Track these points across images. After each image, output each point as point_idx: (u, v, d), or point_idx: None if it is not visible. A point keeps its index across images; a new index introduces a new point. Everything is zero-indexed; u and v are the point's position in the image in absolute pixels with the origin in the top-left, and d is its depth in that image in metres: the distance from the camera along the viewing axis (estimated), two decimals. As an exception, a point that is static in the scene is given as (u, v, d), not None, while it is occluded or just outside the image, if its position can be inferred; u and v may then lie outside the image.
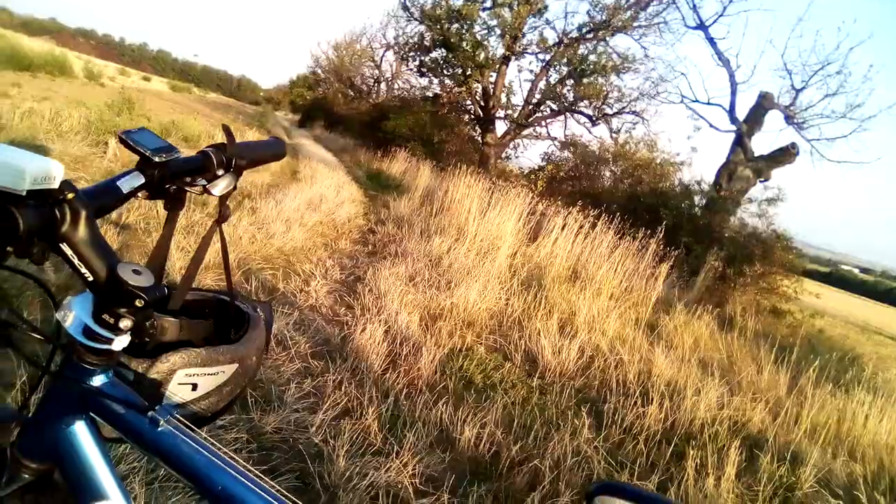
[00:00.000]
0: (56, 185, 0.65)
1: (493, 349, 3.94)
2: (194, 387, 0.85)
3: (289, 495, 0.71)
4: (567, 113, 14.71)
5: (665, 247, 7.15)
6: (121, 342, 0.72)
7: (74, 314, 0.71)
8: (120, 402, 0.75)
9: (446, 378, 3.18)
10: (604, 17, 13.40)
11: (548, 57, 14.34)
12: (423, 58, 15.69)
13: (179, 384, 0.83)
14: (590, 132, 15.18)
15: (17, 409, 0.86)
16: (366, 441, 2.39)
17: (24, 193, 0.62)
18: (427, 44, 15.10)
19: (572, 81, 14.27)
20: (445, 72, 15.32)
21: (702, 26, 12.20)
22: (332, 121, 24.29)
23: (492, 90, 14.68)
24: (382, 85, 28.12)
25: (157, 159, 0.82)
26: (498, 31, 13.97)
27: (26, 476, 0.78)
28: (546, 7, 13.91)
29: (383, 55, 27.42)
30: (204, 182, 0.88)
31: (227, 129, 0.98)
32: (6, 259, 0.64)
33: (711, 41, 12.06)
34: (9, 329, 0.74)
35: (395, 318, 3.74)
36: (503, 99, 14.94)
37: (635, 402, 3.43)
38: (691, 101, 12.82)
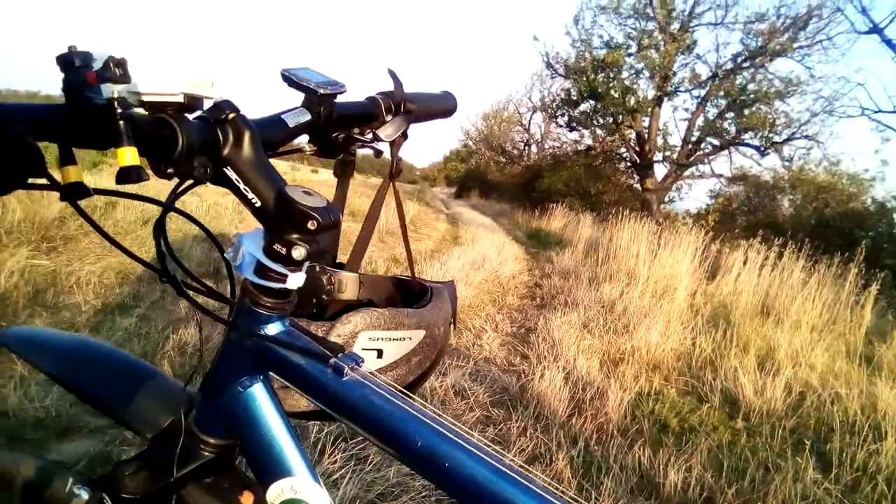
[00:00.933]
0: (214, 96, 0.60)
1: (684, 392, 3.67)
2: (379, 353, 0.78)
3: (502, 451, 0.61)
4: (731, 147, 13.94)
5: (867, 271, 6.41)
6: (296, 279, 0.66)
7: (244, 250, 0.65)
8: (298, 351, 0.67)
9: (638, 422, 2.99)
10: (759, 44, 12.72)
11: (703, 92, 13.81)
12: (571, 112, 15.75)
13: (364, 350, 0.76)
14: (758, 164, 14.21)
15: (184, 383, 0.80)
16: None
17: (181, 98, 0.57)
18: (574, 97, 15.15)
19: (733, 114, 13.56)
20: (596, 122, 15.22)
21: (875, 29, 11.18)
22: (486, 188, 24.86)
23: (646, 134, 14.33)
24: (533, 147, 28.47)
25: (322, 91, 0.77)
26: (647, 74, 13.71)
27: (206, 453, 0.73)
28: (695, 42, 13.51)
29: (531, 118, 27.84)
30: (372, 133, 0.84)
31: (392, 73, 0.91)
32: (170, 177, 0.61)
33: (889, 43, 10.99)
34: (176, 280, 0.68)
35: (573, 364, 3.62)
36: (659, 141, 14.52)
37: (865, 439, 3.00)
38: (874, 111, 11.66)
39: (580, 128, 16.07)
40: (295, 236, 0.62)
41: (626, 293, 5.61)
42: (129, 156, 0.52)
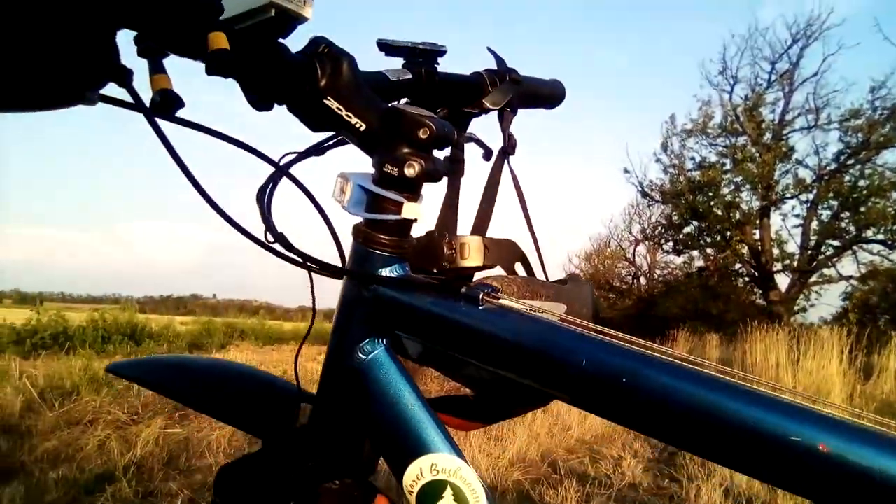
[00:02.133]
0: (306, 14, 0.56)
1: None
2: None
3: (686, 355, 0.50)
4: (854, 246, 13.29)
5: None
6: (412, 209, 0.61)
7: (351, 183, 0.61)
8: (422, 290, 0.61)
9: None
10: (860, 140, 12.50)
11: (811, 196, 13.48)
12: (676, 236, 15.65)
13: None
14: (888, 259, 13.38)
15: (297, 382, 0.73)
16: None
17: (271, 13, 0.53)
18: (677, 221, 15.13)
19: (848, 213, 13.07)
20: (703, 242, 15.01)
21: None
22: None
23: (759, 246, 13.95)
24: (641, 279, 28.08)
25: (421, 48, 0.73)
26: (748, 186, 13.63)
27: (327, 451, 0.68)
28: (792, 148, 13.41)
29: (634, 250, 27.75)
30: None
31: (492, 51, 0.84)
32: (269, 108, 0.59)
33: None
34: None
35: (730, 479, 3.46)
36: (775, 251, 14.05)
37: None
38: None
39: (688, 250, 15.86)
40: (406, 150, 0.59)
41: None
42: (220, 40, 0.50)
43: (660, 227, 16.40)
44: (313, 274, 0.63)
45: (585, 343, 0.51)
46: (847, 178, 12.98)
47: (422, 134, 0.58)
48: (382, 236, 0.62)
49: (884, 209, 12.42)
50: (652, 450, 4.56)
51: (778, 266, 14.11)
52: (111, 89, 0.48)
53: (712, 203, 13.93)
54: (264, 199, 0.64)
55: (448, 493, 0.56)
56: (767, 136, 13.54)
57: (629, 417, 0.49)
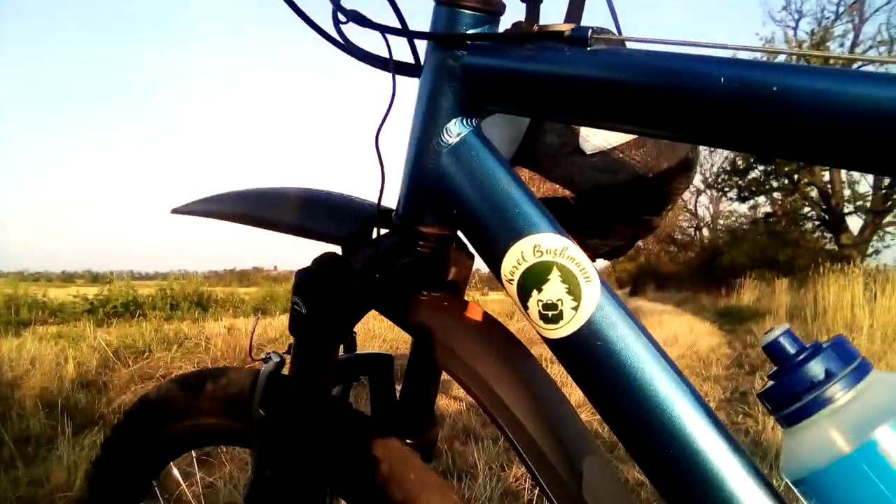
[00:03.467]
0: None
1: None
2: None
3: None
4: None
5: None
6: None
7: None
8: (520, 49, 0.53)
9: None
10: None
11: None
12: (740, 183, 15.23)
13: None
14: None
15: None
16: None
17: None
18: (741, 166, 14.71)
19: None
20: (770, 186, 14.57)
21: None
22: (661, 280, 24.16)
23: (829, 188, 13.45)
24: (704, 230, 27.52)
25: None
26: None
27: (414, 249, 0.59)
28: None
29: (696, 201, 27.17)
30: None
31: None
32: None
33: None
34: None
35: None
36: (846, 192, 13.54)
37: None
38: None
39: (753, 196, 15.43)
40: None
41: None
42: None
43: (723, 174, 15.98)
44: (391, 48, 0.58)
45: (721, 64, 0.43)
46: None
47: None
48: None
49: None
50: (723, 391, 4.57)
51: (850, 207, 13.60)
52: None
53: (779, 144, 13.43)
54: None
55: (555, 275, 0.50)
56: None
57: (781, 139, 0.42)
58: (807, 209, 14.42)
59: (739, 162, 14.66)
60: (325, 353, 0.61)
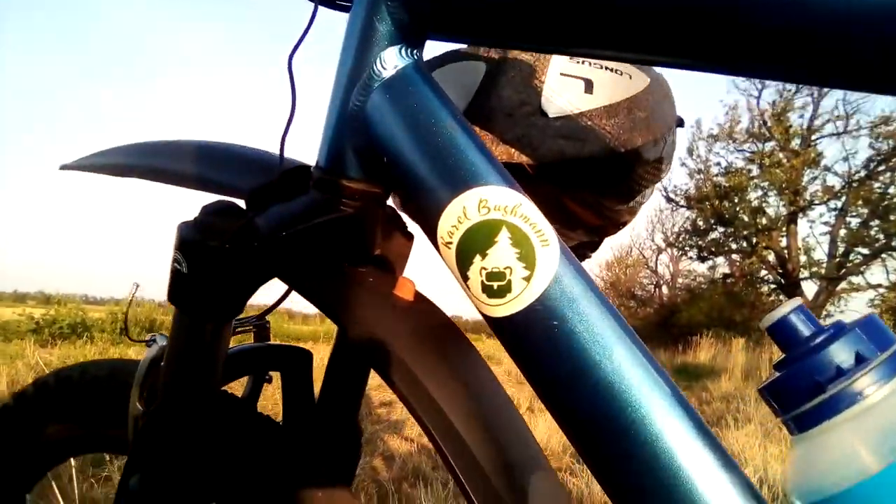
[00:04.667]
0: None
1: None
2: (588, 85, 0.56)
3: None
4: (884, 254, 13.04)
5: None
6: None
7: None
8: None
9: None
10: (890, 146, 12.27)
11: (840, 203, 13.26)
12: (700, 243, 15.48)
13: (563, 75, 0.56)
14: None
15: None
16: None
17: None
18: (701, 227, 14.98)
19: (878, 220, 12.84)
20: (729, 248, 14.84)
21: None
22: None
23: (786, 253, 13.74)
24: (663, 288, 27.83)
25: None
26: (775, 192, 13.46)
27: (334, 208, 0.47)
28: (821, 154, 13.22)
29: (657, 259, 27.53)
30: None
31: None
32: None
33: None
34: None
35: (764, 472, 3.39)
36: (802, 258, 13.84)
37: None
38: None
39: (712, 257, 15.67)
40: None
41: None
42: None
43: (684, 234, 16.25)
44: None
45: None
46: (877, 185, 12.76)
47: None
48: None
49: (916, 217, 12.20)
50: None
51: (805, 273, 13.89)
52: None
53: (738, 208, 13.77)
54: None
55: (503, 236, 0.39)
56: (796, 142, 13.34)
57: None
58: (764, 272, 14.67)
59: (700, 223, 14.93)
60: (212, 328, 0.49)
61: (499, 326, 0.40)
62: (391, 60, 0.45)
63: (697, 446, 0.34)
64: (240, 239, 0.45)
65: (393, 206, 0.57)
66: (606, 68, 0.57)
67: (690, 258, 16.73)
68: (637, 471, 0.35)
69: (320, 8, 0.51)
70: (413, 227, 0.59)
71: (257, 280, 0.48)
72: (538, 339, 0.38)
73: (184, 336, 0.49)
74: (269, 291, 0.57)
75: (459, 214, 0.40)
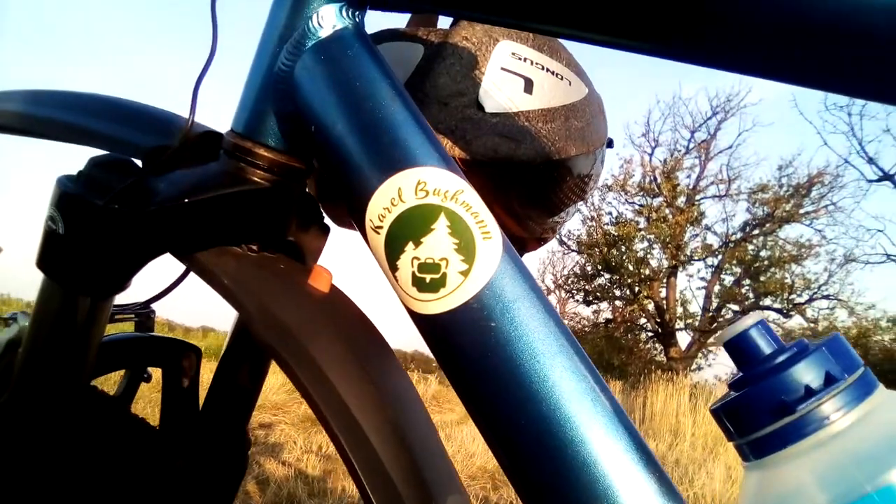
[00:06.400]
0: None
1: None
2: (528, 84, 0.53)
3: None
4: (752, 312, 14.05)
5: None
6: None
7: None
8: None
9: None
10: (765, 212, 13.34)
11: (716, 261, 14.21)
12: (587, 287, 16.09)
13: (503, 70, 0.52)
14: (781, 328, 14.22)
15: None
16: None
17: None
18: (590, 272, 15.59)
19: (749, 280, 13.86)
20: (613, 294, 15.51)
21: (886, 177, 11.71)
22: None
23: (665, 304, 14.53)
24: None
25: None
26: (659, 245, 14.25)
27: (241, 178, 0.41)
28: (703, 214, 14.15)
29: (545, 297, 28.37)
30: None
31: None
32: None
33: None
34: None
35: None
36: (679, 310, 14.67)
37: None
38: (898, 255, 11.94)
39: (597, 301, 16.32)
40: None
41: (674, 447, 5.45)
42: None
43: (573, 277, 16.84)
44: None
45: None
46: (751, 247, 13.81)
47: None
48: None
49: (782, 280, 13.25)
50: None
51: (680, 324, 14.72)
52: None
53: (625, 257, 14.44)
54: None
55: (441, 223, 0.35)
56: (681, 200, 14.21)
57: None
58: (643, 320, 15.41)
59: (589, 268, 15.55)
60: (88, 305, 0.41)
61: (428, 324, 0.35)
62: (329, 19, 0.40)
63: (640, 475, 0.31)
64: (131, 200, 0.38)
65: (309, 191, 0.52)
66: (548, 70, 0.54)
67: (577, 301, 17.34)
68: (571, 497, 0.31)
69: None
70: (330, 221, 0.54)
71: (148, 252, 0.41)
72: (472, 341, 0.34)
73: (52, 311, 0.41)
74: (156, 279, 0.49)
75: (393, 196, 0.35)
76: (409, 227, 0.35)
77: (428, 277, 0.35)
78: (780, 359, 0.29)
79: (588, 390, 0.33)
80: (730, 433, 0.30)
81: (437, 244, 0.35)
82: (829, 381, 0.27)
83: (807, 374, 0.27)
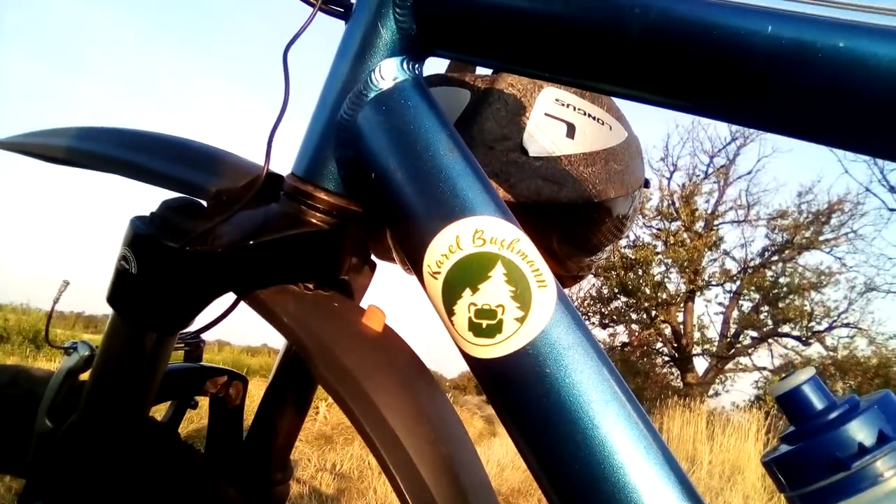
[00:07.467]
0: None
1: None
2: (570, 129, 0.55)
3: None
4: (771, 339, 13.90)
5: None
6: None
7: None
8: None
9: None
10: (784, 238, 13.24)
11: (735, 286, 14.09)
12: (603, 310, 16.00)
13: (547, 115, 0.54)
14: (800, 355, 14.03)
15: None
16: None
17: None
18: (606, 295, 15.51)
19: (768, 307, 13.71)
20: (629, 318, 15.40)
21: None
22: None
23: (682, 328, 14.41)
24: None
25: None
26: (676, 269, 14.16)
27: (302, 220, 0.43)
28: (721, 238, 14.06)
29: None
30: None
31: None
32: None
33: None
34: None
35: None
36: (696, 335, 14.53)
37: None
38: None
39: (613, 324, 16.21)
40: None
41: (692, 473, 5.39)
42: None
43: (589, 300, 16.76)
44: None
45: (766, 13, 0.32)
46: (769, 273, 13.68)
47: None
48: None
49: (801, 307, 13.10)
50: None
51: (697, 349, 14.57)
52: None
53: (642, 281, 14.36)
54: None
55: (498, 271, 0.36)
56: (700, 225, 14.16)
57: (833, 123, 0.32)
58: (660, 344, 15.29)
59: (605, 291, 15.46)
60: (155, 339, 0.43)
61: (483, 367, 0.37)
62: (390, 72, 0.42)
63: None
64: (202, 243, 0.40)
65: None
66: (589, 115, 0.56)
67: (593, 324, 17.24)
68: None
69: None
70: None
71: (213, 291, 0.43)
72: (526, 386, 0.35)
73: (121, 345, 0.43)
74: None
75: (451, 243, 0.37)
76: (467, 273, 0.37)
77: (484, 323, 0.36)
78: (833, 415, 0.30)
79: (640, 438, 0.34)
80: (781, 485, 0.31)
81: (494, 291, 0.36)
82: (882, 439, 0.28)
83: (860, 431, 0.28)
